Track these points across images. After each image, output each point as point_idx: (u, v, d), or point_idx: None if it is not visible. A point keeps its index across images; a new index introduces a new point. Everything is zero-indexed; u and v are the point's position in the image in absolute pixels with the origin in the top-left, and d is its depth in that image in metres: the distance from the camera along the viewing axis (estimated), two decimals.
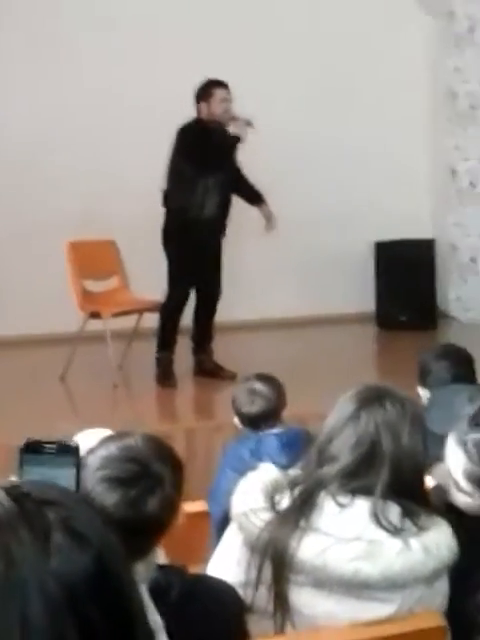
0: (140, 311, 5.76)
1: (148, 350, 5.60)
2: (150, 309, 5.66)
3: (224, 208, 5.41)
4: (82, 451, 1.61)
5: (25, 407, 4.98)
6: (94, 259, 5.88)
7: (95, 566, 0.83)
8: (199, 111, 5.36)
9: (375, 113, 7.30)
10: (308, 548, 1.76)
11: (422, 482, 1.90)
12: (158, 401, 5.51)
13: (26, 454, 1.39)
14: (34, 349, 6.38)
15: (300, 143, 7.12)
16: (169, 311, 5.48)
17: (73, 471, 1.37)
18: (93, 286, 5.87)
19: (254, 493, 1.87)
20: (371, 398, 1.88)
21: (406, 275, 7.05)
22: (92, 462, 1.56)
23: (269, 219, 5.65)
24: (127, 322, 5.76)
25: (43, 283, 6.49)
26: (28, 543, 0.81)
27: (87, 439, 2.26)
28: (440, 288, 7.24)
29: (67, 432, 2.18)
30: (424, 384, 3.18)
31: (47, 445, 1.39)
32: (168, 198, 5.41)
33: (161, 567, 1.62)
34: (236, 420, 3.21)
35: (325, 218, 7.26)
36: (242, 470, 2.15)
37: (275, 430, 3.08)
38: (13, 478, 1.38)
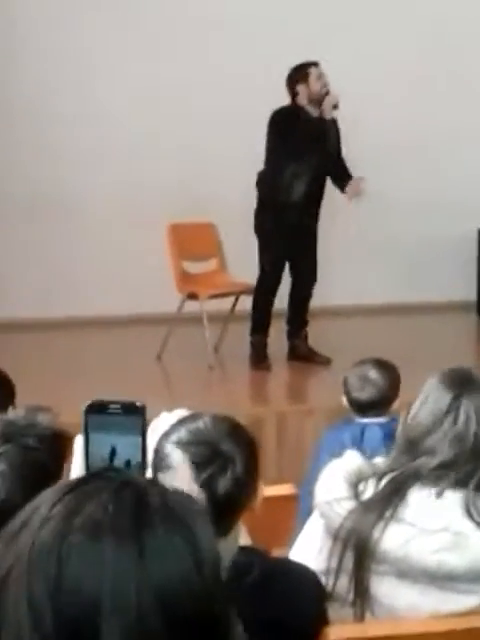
0: (237, 294, 5.79)
1: (244, 333, 5.62)
2: (247, 292, 5.68)
3: (314, 192, 5.35)
4: (158, 433, 1.62)
5: (121, 385, 5.02)
6: (193, 241, 5.94)
7: (187, 547, 0.85)
8: (297, 94, 5.35)
9: (475, 93, 7.12)
10: (391, 538, 1.75)
11: None
12: (251, 384, 5.54)
13: (91, 415, 1.35)
14: (132, 328, 6.48)
15: (407, 127, 7.00)
16: (261, 294, 5.49)
17: (139, 439, 1.35)
18: (191, 268, 5.93)
19: (338, 482, 1.86)
20: (466, 386, 1.83)
21: None
22: (167, 447, 1.57)
23: (354, 188, 5.41)
24: (224, 304, 5.80)
25: (142, 264, 6.58)
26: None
27: (168, 421, 2.29)
28: None
29: (162, 411, 2.22)
30: None
31: (112, 405, 1.36)
32: (260, 181, 5.43)
33: (242, 548, 1.62)
34: (344, 400, 3.19)
35: (428, 203, 7.13)
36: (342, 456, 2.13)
37: (381, 419, 3.06)
38: (78, 439, 1.37)
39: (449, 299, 7.01)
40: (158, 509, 0.85)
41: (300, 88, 5.33)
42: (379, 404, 3.09)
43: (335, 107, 5.26)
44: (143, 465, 1.34)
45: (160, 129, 6.78)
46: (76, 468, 1.38)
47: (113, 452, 1.33)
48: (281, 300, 5.58)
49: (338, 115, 5.38)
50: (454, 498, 1.76)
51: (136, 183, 6.79)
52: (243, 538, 1.70)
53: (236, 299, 5.84)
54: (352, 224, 6.96)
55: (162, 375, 5.73)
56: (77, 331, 6.40)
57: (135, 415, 1.34)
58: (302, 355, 5.58)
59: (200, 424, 1.61)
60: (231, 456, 1.55)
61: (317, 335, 5.69)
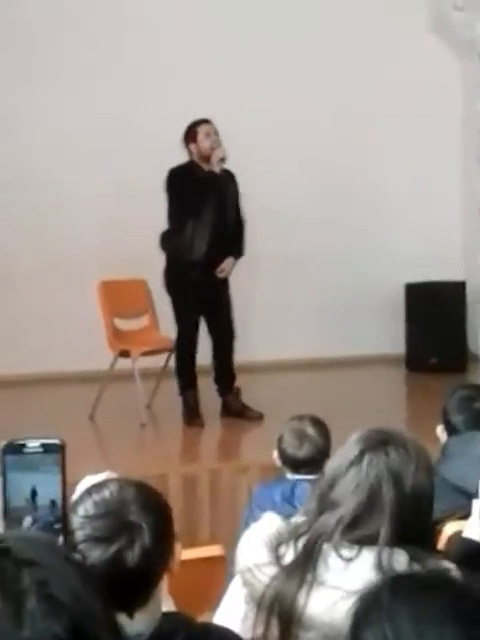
0: (169, 350, 5.79)
1: (176, 390, 5.62)
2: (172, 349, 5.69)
3: (217, 248, 5.41)
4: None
5: None
6: (125, 298, 5.95)
7: (68, 634, 0.83)
8: (190, 153, 5.50)
9: (408, 153, 7.33)
10: (316, 603, 1.74)
11: (428, 527, 1.88)
12: (184, 441, 5.52)
13: (8, 456, 1.33)
14: (64, 386, 6.44)
15: (328, 181, 7.15)
16: (180, 351, 5.53)
17: (58, 477, 1.33)
18: (123, 325, 5.93)
19: (257, 547, 1.84)
20: (375, 443, 1.85)
21: (437, 317, 7.03)
22: (75, 522, 1.55)
23: (223, 270, 5.48)
24: (156, 361, 5.80)
25: (73, 321, 6.57)
26: (1, 610, 0.82)
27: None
28: (471, 331, 7.19)
29: (95, 471, 2.21)
30: (443, 423, 3.15)
31: (30, 444, 1.34)
32: (163, 241, 5.52)
33: (165, 614, 1.61)
34: (275, 456, 3.19)
35: (354, 258, 7.28)
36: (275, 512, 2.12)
37: (311, 476, 3.06)
38: None
39: (378, 353, 7.12)
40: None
41: (191, 147, 5.48)
42: (314, 461, 3.11)
43: (222, 160, 5.38)
44: (64, 505, 1.33)
45: (88, 186, 6.81)
46: None
47: (34, 492, 1.32)
48: (206, 356, 5.61)
49: (241, 167, 5.50)
50: (368, 556, 1.78)
51: (66, 240, 6.80)
52: (166, 604, 1.70)
53: (169, 356, 5.84)
54: (280, 278, 7.06)
55: (94, 434, 5.68)
56: (7, 389, 6.32)
57: (54, 453, 1.33)
58: (235, 411, 5.60)
59: (106, 494, 1.57)
60: (139, 526, 1.53)
61: (247, 391, 5.71)
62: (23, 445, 1.33)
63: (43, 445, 1.34)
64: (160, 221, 6.51)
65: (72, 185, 6.83)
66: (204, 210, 5.35)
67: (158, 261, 6.48)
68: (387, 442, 1.85)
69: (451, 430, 3.08)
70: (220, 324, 5.54)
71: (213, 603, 2.24)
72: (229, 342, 5.59)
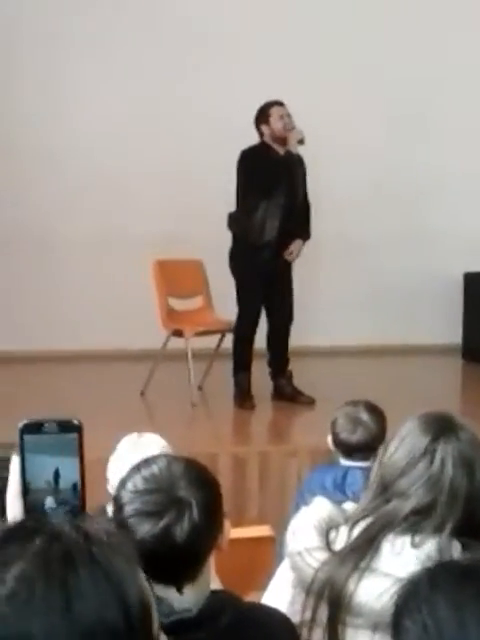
0: (222, 331, 5.77)
1: (228, 371, 5.60)
2: (232, 330, 5.67)
3: (287, 230, 5.38)
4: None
5: (104, 420, 5.02)
6: (180, 278, 5.93)
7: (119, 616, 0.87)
8: (262, 135, 5.45)
9: (471, 138, 7.19)
10: (367, 590, 1.71)
11: None
12: (235, 423, 5.50)
13: (27, 435, 1.30)
14: (117, 364, 6.47)
15: (392, 165, 7.07)
16: (240, 332, 5.50)
17: (76, 460, 1.31)
18: (177, 305, 5.92)
19: (308, 531, 1.81)
20: (444, 429, 1.81)
21: None
22: (124, 497, 1.54)
23: (292, 253, 5.47)
24: (209, 342, 5.78)
25: (128, 299, 6.58)
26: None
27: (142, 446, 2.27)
28: None
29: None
30: None
31: (47, 423, 1.32)
32: (232, 222, 5.47)
33: (214, 592, 1.59)
34: (330, 441, 3.16)
35: (414, 246, 7.18)
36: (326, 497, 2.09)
37: (363, 463, 3.03)
38: (14, 459, 1.34)
39: (434, 342, 7.03)
40: (84, 561, 0.87)
41: (263, 128, 5.44)
42: (367, 448, 3.06)
43: (300, 142, 5.34)
44: (82, 487, 1.31)
45: (147, 164, 6.82)
46: (12, 490, 1.34)
47: (57, 474, 1.30)
48: (263, 340, 5.57)
49: (305, 153, 5.44)
50: (428, 546, 1.73)
51: (123, 218, 6.82)
52: (213, 582, 1.67)
53: (222, 337, 5.82)
54: (338, 265, 7.00)
55: (145, 411, 5.69)
56: (61, 365, 6.38)
57: (71, 433, 1.31)
58: (286, 395, 5.56)
59: (155, 469, 1.56)
60: (188, 501, 1.51)
61: (300, 375, 5.67)
62: (41, 425, 1.31)
63: (60, 424, 1.31)
64: (217, 203, 6.52)
65: (134, 163, 6.84)
66: (276, 192, 5.31)
67: (214, 243, 6.48)
68: (455, 428, 1.80)
69: None
70: (281, 307, 5.51)
71: (260, 583, 2.21)
72: (287, 326, 5.56)
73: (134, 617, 0.87)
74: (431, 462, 1.77)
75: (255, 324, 5.49)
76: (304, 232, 5.53)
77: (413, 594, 1.08)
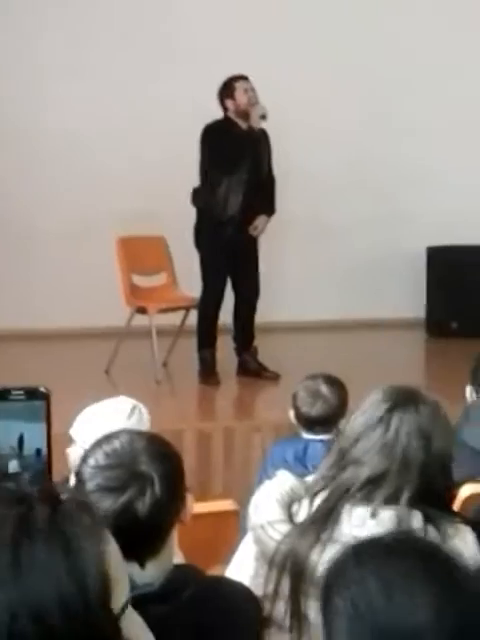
0: (187, 308, 5.76)
1: (193, 347, 5.60)
2: (197, 306, 5.66)
3: (251, 205, 5.36)
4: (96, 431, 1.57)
5: (69, 398, 4.98)
6: (143, 255, 5.91)
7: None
8: (227, 109, 5.42)
9: (432, 115, 7.21)
10: (329, 561, 1.72)
11: (449, 489, 1.84)
12: (199, 399, 5.51)
13: None
14: (81, 342, 6.43)
15: (355, 147, 7.08)
16: (205, 308, 5.49)
17: (42, 426, 1.31)
18: (141, 281, 5.89)
19: (270, 504, 1.82)
20: (404, 400, 1.82)
21: (458, 281, 6.95)
22: (85, 473, 1.54)
23: (257, 228, 5.46)
24: (174, 319, 5.77)
25: (92, 277, 6.54)
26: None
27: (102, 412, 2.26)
28: None
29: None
30: (474, 384, 3.09)
31: (14, 391, 1.32)
32: (195, 197, 5.45)
33: (177, 566, 1.59)
34: (291, 415, 3.18)
35: (376, 220, 7.20)
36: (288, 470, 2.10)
37: (324, 436, 3.04)
38: None
39: (398, 316, 7.07)
40: (43, 527, 0.84)
41: (228, 102, 5.41)
42: (328, 421, 3.09)
43: (263, 117, 5.31)
44: (49, 454, 1.31)
45: (108, 142, 6.77)
46: None
47: (21, 440, 1.30)
48: (227, 315, 5.57)
49: (278, 134, 5.44)
50: (387, 515, 1.74)
51: (85, 196, 6.76)
52: (176, 556, 1.67)
53: (186, 313, 5.81)
54: (302, 240, 7.00)
55: (110, 389, 5.66)
56: (24, 343, 6.33)
57: (38, 400, 1.31)
58: (251, 370, 5.57)
59: (116, 445, 1.56)
60: (149, 476, 1.51)
61: (265, 351, 5.68)
62: (8, 391, 1.31)
63: (27, 392, 1.31)
64: (182, 179, 6.49)
65: (94, 144, 6.77)
66: (239, 167, 5.29)
67: (178, 219, 6.45)
68: (416, 400, 1.81)
69: None
70: (246, 282, 5.50)
71: (224, 557, 2.22)
72: (253, 301, 5.56)
73: (92, 594, 0.83)
74: (386, 430, 1.78)
75: (219, 299, 5.49)
76: (269, 207, 5.52)
77: (341, 572, 1.09)
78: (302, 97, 6.82)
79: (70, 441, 2.51)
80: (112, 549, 0.90)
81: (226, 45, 6.71)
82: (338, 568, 1.10)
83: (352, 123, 7.03)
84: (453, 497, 1.98)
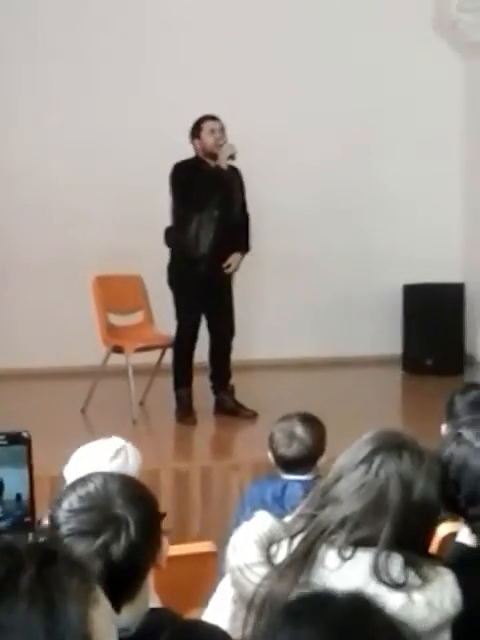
0: (163, 347, 5.75)
1: (170, 386, 5.58)
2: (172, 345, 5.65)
3: (222, 243, 5.37)
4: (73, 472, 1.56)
5: (45, 438, 4.95)
6: (120, 293, 5.90)
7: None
8: (195, 149, 5.48)
9: (408, 155, 7.31)
10: None
11: (430, 537, 1.83)
12: (176, 438, 5.48)
13: None
14: (56, 381, 6.39)
15: (330, 183, 7.14)
16: (179, 347, 5.49)
17: (24, 470, 1.30)
18: (118, 320, 5.88)
19: (249, 545, 1.79)
20: (389, 445, 1.81)
21: (434, 319, 6.99)
22: (59, 517, 1.52)
23: (230, 266, 5.45)
24: (150, 357, 5.75)
25: (67, 316, 6.53)
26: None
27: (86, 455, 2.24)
28: (468, 333, 7.16)
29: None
30: (448, 422, 3.09)
31: None
32: (167, 236, 5.47)
33: (153, 610, 1.57)
34: (270, 456, 3.16)
35: (352, 258, 7.25)
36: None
37: (303, 476, 3.03)
38: None
39: (375, 354, 7.09)
40: (27, 588, 0.82)
41: (196, 142, 5.46)
42: (305, 461, 3.08)
43: (231, 157, 5.35)
44: (31, 499, 1.29)
45: (87, 182, 6.79)
46: None
47: (1, 485, 1.29)
48: (204, 354, 5.56)
49: (250, 170, 5.48)
50: (364, 558, 1.73)
51: (62, 235, 6.76)
52: (152, 600, 1.65)
53: (162, 352, 5.79)
54: (280, 279, 7.03)
55: (86, 428, 5.63)
56: (0, 383, 6.28)
57: (20, 445, 1.31)
58: (228, 409, 5.55)
59: (91, 488, 1.54)
60: (124, 519, 1.50)
61: (243, 389, 5.67)
62: None
63: (8, 437, 1.31)
64: (160, 217, 6.51)
65: (70, 181, 6.79)
66: (209, 205, 5.32)
67: (154, 258, 6.45)
68: (402, 446, 1.81)
69: None
70: (221, 321, 5.50)
71: (202, 600, 2.19)
72: (228, 340, 5.55)
73: None
74: (367, 471, 1.77)
75: (194, 338, 5.48)
76: (243, 245, 5.53)
77: (271, 628, 1.10)
78: (274, 133, 6.89)
79: (62, 481, 2.48)
80: (100, 613, 0.87)
81: (198, 82, 6.78)
82: (271, 625, 1.10)
83: (326, 159, 7.09)
84: (430, 541, 1.96)
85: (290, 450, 3.07)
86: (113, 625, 0.89)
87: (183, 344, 5.46)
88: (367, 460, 1.79)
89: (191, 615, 2.00)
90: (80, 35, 6.82)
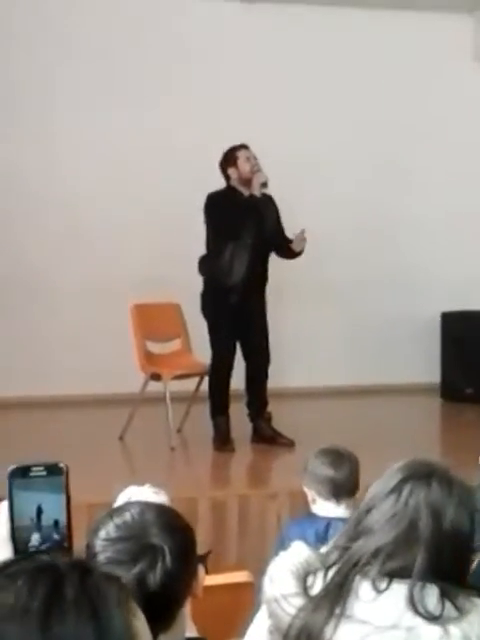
0: (201, 374, 5.77)
1: (207, 414, 5.59)
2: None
3: (256, 272, 5.41)
4: None
5: (84, 465, 4.98)
6: (158, 321, 5.94)
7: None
8: (229, 178, 5.51)
9: (446, 182, 7.29)
10: (344, 637, 1.68)
11: (465, 565, 1.82)
12: (214, 466, 5.48)
13: (14, 479, 1.35)
14: (95, 409, 6.44)
15: (369, 207, 7.15)
16: (215, 375, 5.50)
17: (62, 496, 1.34)
18: (155, 348, 5.92)
19: (285, 577, 1.78)
20: (418, 473, 1.81)
21: (473, 346, 6.94)
22: (96, 545, 1.53)
23: (299, 240, 5.49)
24: (188, 385, 5.77)
25: (105, 344, 6.58)
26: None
27: (135, 494, 2.26)
28: None
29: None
30: None
31: (34, 467, 1.36)
32: (201, 265, 5.50)
33: (189, 639, 1.58)
34: (311, 493, 3.09)
35: (391, 285, 7.24)
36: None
37: (346, 513, 2.98)
38: (4, 503, 1.36)
39: (413, 382, 7.05)
40: (72, 598, 0.84)
41: (231, 171, 5.48)
42: (352, 485, 3.05)
43: (264, 185, 5.39)
44: (69, 525, 1.32)
45: (126, 210, 6.86)
46: (1, 533, 1.35)
47: (39, 511, 1.32)
48: (241, 382, 5.57)
49: (283, 197, 5.50)
50: (399, 589, 1.72)
51: (102, 262, 6.83)
52: (189, 630, 1.65)
53: (200, 379, 5.82)
54: (316, 305, 7.03)
55: (124, 455, 5.66)
56: (39, 410, 6.34)
57: (57, 475, 1.34)
58: (266, 437, 5.54)
59: (127, 517, 1.56)
60: (160, 548, 1.50)
61: (280, 417, 5.66)
62: (29, 468, 1.35)
63: (46, 468, 1.36)
64: (196, 246, 6.55)
65: (110, 208, 6.87)
66: (243, 234, 5.35)
67: (193, 286, 6.50)
68: (431, 474, 1.80)
69: None
70: (256, 348, 5.51)
71: (239, 630, 2.19)
72: (264, 367, 5.56)
73: None
74: (397, 500, 1.77)
75: (229, 366, 5.48)
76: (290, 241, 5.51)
77: None
78: (308, 159, 6.92)
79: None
80: (140, 621, 0.90)
81: (230, 111, 6.84)
82: None
83: (361, 184, 7.11)
84: (470, 566, 1.95)
85: (340, 472, 3.04)
86: (151, 635, 0.92)
87: (219, 372, 5.48)
88: (396, 489, 1.78)
89: None
90: (119, 67, 6.92)
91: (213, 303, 5.46)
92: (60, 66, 6.86)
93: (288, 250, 5.54)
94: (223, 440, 5.46)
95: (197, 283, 6.36)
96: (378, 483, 1.84)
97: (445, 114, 7.26)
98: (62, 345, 6.78)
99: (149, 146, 6.91)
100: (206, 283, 5.54)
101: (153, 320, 5.88)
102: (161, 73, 6.95)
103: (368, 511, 1.79)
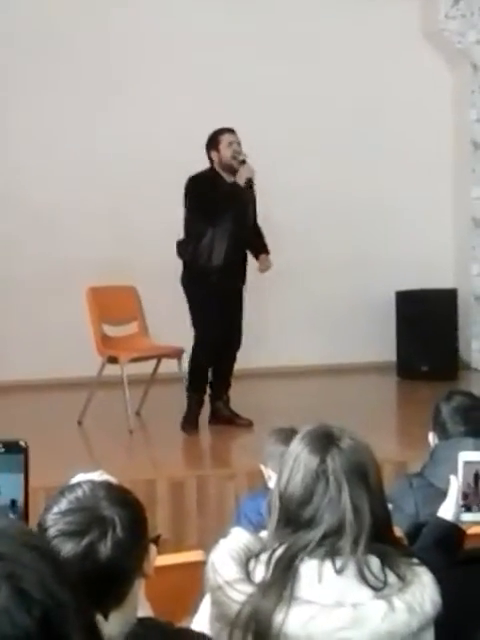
0: (158, 357, 5.78)
1: (165, 396, 5.61)
2: (168, 355, 5.68)
3: (236, 254, 5.41)
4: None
5: (42, 450, 4.96)
6: (114, 305, 5.92)
7: (39, 628, 0.81)
8: (211, 161, 5.46)
9: (398, 163, 7.34)
10: (293, 620, 1.69)
11: (390, 520, 1.85)
12: (172, 448, 5.49)
13: None
14: (52, 393, 6.42)
15: (323, 191, 7.18)
16: (200, 355, 5.43)
17: (21, 476, 1.33)
18: (112, 331, 5.91)
19: (227, 563, 1.78)
20: (326, 445, 1.79)
21: (428, 325, 7.02)
22: (48, 520, 1.55)
23: (263, 267, 5.59)
24: (145, 368, 5.78)
25: (62, 327, 6.55)
26: None
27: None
28: (462, 338, 7.19)
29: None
30: (435, 430, 3.12)
31: None
32: (180, 249, 5.48)
33: (140, 620, 1.59)
34: (264, 469, 3.13)
35: (346, 267, 7.28)
36: (261, 524, 2.06)
37: None
38: None
39: (369, 360, 7.12)
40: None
41: (213, 154, 5.44)
42: None
43: (249, 181, 5.34)
44: (26, 505, 1.32)
45: (81, 194, 6.82)
46: None
47: None
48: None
49: (255, 187, 5.48)
50: (345, 566, 1.75)
51: (56, 246, 6.80)
52: (142, 609, 1.67)
53: (157, 362, 5.82)
54: (272, 288, 7.05)
55: (83, 440, 5.66)
56: None
57: (17, 453, 1.34)
58: (224, 418, 5.57)
59: (79, 492, 1.57)
60: (111, 519, 1.52)
61: (239, 397, 5.70)
62: None
63: (5, 445, 1.34)
64: (154, 228, 6.55)
65: (65, 193, 6.83)
66: (224, 219, 5.31)
67: (148, 267, 6.51)
68: (335, 440, 1.80)
69: (447, 439, 3.04)
70: (231, 332, 5.49)
71: (194, 609, 2.21)
72: (235, 350, 5.56)
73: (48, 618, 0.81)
74: (327, 484, 1.77)
75: (217, 348, 5.43)
76: (264, 248, 5.58)
77: None
78: (270, 147, 6.92)
79: None
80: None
81: (196, 97, 6.83)
82: None
83: (312, 167, 7.12)
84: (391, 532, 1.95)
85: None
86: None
87: (205, 357, 5.42)
88: (319, 474, 1.77)
89: (183, 624, 2.02)
90: (72, 56, 6.86)
91: (196, 286, 5.40)
92: (29, 63, 6.78)
93: (256, 254, 5.55)
94: (192, 421, 5.44)
95: (154, 265, 6.36)
96: (293, 472, 1.79)
97: (397, 94, 7.30)
98: (18, 329, 6.74)
99: (108, 131, 6.86)
100: (186, 267, 5.47)
101: (109, 303, 5.87)
102: (112, 60, 6.90)
103: (300, 505, 1.78)
